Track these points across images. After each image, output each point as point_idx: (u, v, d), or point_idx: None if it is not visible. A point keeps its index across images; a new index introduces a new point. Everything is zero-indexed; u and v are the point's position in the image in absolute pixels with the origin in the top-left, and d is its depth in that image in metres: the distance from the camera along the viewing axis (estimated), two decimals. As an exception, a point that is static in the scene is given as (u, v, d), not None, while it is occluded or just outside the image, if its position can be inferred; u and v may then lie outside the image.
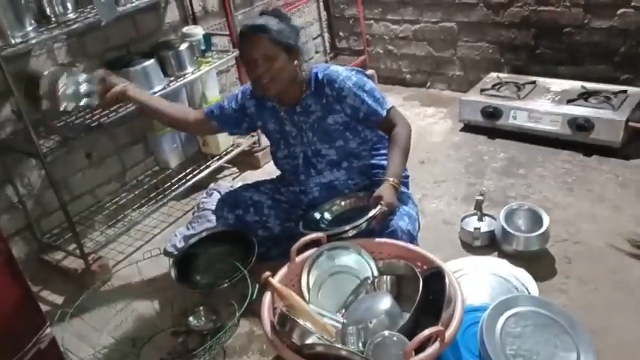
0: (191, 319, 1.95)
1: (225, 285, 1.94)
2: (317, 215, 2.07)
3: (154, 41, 2.82)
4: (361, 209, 1.97)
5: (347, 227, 1.86)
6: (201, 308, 2.01)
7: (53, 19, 2.20)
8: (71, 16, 2.24)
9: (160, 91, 2.52)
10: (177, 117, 2.16)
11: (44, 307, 1.90)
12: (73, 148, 2.51)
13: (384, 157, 2.10)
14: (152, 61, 2.54)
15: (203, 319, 1.98)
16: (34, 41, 2.07)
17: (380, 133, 2.11)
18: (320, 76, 2.00)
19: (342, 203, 2.09)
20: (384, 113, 2.01)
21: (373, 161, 2.13)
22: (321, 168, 2.09)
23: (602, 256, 2.16)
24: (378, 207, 1.83)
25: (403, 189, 2.06)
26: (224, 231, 2.19)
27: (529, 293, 1.92)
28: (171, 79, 2.65)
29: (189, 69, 2.71)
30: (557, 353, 1.63)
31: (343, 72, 2.01)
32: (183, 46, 2.69)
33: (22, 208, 2.42)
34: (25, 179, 2.42)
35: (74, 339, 1.74)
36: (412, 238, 1.95)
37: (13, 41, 2.02)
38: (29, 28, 2.06)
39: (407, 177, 2.21)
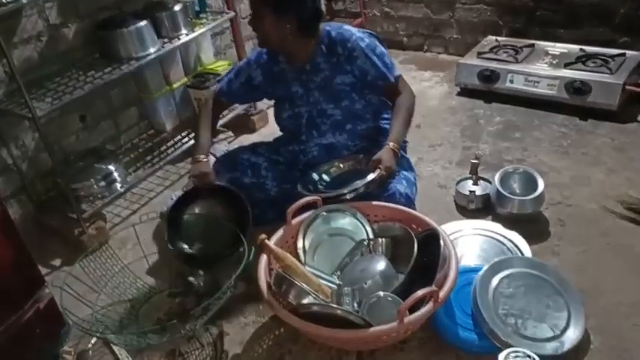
0: (191, 279, 1.96)
1: (228, 256, 1.94)
2: (315, 176, 2.07)
3: (147, 1, 2.76)
4: (359, 172, 1.98)
5: (345, 190, 1.87)
6: (201, 272, 2.02)
7: (43, -22, 2.16)
8: (62, -26, 2.20)
9: (154, 53, 2.49)
10: (214, 116, 2.22)
11: (41, 270, 1.91)
12: (67, 111, 2.49)
13: (386, 122, 2.11)
14: (146, 22, 2.49)
15: (200, 280, 1.99)
16: (25, 1, 2.03)
17: (383, 99, 2.11)
18: (333, 34, 2.00)
19: (341, 165, 2.09)
20: (392, 79, 2.02)
21: (374, 124, 2.13)
22: (324, 130, 2.09)
23: (595, 218, 2.18)
24: (377, 171, 1.84)
25: (401, 152, 2.07)
26: (214, 187, 2.10)
27: (522, 255, 1.94)
28: (165, 40, 2.60)
29: (184, 30, 2.66)
30: (548, 313, 1.66)
31: (356, 32, 2.00)
32: (178, 7, 2.63)
33: (17, 170, 2.41)
34: (20, 141, 2.40)
35: (72, 300, 1.75)
36: (410, 202, 1.97)
37: (4, 0, 1.97)
38: (19, -13, 2.02)
39: (405, 142, 2.22)
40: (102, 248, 2.03)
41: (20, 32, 2.31)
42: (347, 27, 2.03)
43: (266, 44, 2.01)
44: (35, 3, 2.28)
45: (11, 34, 2.27)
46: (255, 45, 3.53)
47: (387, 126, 2.09)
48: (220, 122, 2.91)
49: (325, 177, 2.08)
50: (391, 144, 1.92)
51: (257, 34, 1.98)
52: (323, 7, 4.02)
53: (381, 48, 2.03)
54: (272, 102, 2.26)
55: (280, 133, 2.29)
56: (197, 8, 2.83)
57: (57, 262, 2.30)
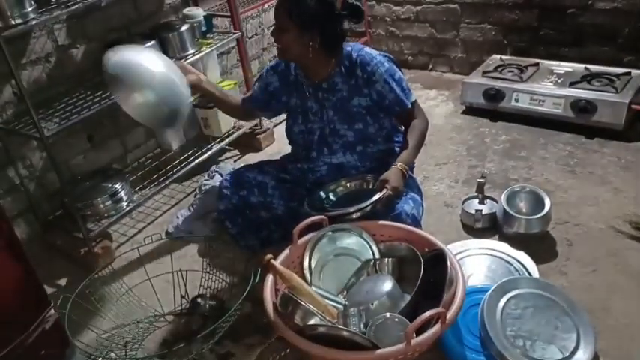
0: (199, 300, 1.96)
1: None
2: (322, 195, 2.07)
3: (154, 22, 2.80)
4: (366, 191, 1.97)
5: (352, 209, 1.86)
6: (207, 293, 2.02)
7: (53, 0, 2.18)
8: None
9: (161, 72, 2.51)
10: (233, 105, 2.27)
11: (47, 289, 1.91)
12: (75, 131, 2.51)
13: (398, 145, 2.12)
14: (153, 42, 2.51)
15: (206, 301, 1.99)
16: (34, 22, 2.05)
17: (394, 123, 2.12)
18: (354, 56, 2.00)
19: (348, 185, 2.09)
20: (409, 105, 2.03)
21: (385, 147, 2.13)
22: (335, 149, 2.09)
23: (602, 238, 2.17)
24: (384, 191, 1.84)
25: (409, 173, 2.07)
26: None
27: (529, 275, 1.93)
28: (173, 60, 2.62)
29: (191, 50, 2.69)
30: (557, 334, 1.64)
31: (377, 56, 2.01)
32: (184, 28, 2.66)
33: (24, 190, 2.42)
34: (27, 161, 2.42)
35: (77, 322, 1.75)
36: (416, 223, 1.96)
37: (13, 22, 2.00)
38: (29, 9, 2.04)
39: (413, 163, 2.21)
40: (107, 269, 2.03)
41: (29, 53, 2.34)
42: (368, 50, 2.04)
43: (285, 57, 2.01)
44: (44, 25, 2.32)
45: (20, 55, 2.30)
46: (260, 64, 3.58)
47: (398, 149, 2.10)
48: (226, 141, 2.94)
49: (332, 196, 2.08)
50: (399, 164, 1.92)
51: (277, 46, 1.98)
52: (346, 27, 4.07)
53: (399, 73, 2.03)
54: (279, 120, 2.26)
55: (287, 151, 2.29)
56: (204, 28, 2.85)
57: (63, 281, 2.30)
